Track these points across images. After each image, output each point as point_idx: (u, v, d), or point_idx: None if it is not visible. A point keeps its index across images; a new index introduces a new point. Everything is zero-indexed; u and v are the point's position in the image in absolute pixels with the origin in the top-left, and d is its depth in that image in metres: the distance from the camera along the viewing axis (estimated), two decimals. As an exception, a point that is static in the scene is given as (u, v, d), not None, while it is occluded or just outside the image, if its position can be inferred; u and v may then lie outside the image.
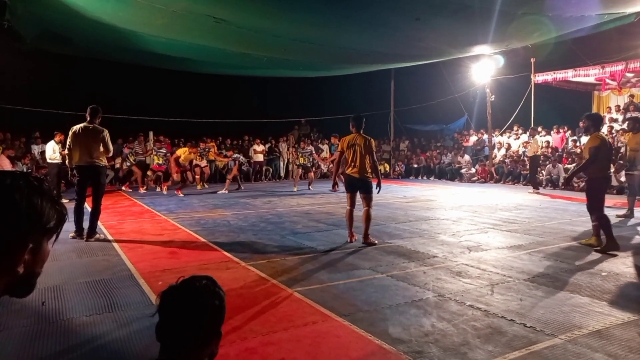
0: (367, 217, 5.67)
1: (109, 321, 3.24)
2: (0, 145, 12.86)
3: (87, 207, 9.26)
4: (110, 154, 6.46)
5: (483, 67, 15.55)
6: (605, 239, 5.25)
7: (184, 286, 1.14)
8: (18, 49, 11.86)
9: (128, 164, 13.28)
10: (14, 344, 2.89)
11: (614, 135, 12.93)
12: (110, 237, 6.16)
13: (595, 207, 5.37)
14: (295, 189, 12.64)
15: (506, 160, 15.66)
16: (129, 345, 2.84)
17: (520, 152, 15.54)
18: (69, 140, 6.06)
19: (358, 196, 5.82)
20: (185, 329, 1.09)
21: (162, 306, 1.12)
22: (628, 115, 13.56)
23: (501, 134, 17.03)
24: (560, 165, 13.43)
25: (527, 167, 14.21)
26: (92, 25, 9.96)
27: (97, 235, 6.02)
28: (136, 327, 3.09)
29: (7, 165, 11.46)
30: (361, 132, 5.80)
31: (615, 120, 14.06)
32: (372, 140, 5.80)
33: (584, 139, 14.61)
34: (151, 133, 15.81)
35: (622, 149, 10.63)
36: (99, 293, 3.84)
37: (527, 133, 15.70)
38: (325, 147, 18.00)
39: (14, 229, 0.81)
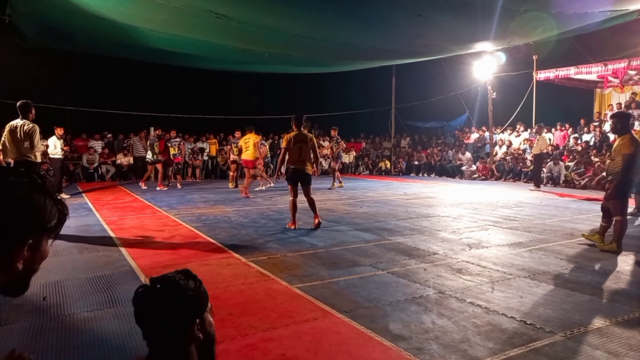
0: (312, 202, 6.50)
1: (110, 317, 3.24)
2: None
3: (88, 202, 9.24)
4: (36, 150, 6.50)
5: (485, 64, 15.52)
6: (611, 240, 5.21)
7: (152, 285, 1.16)
8: (20, 45, 11.83)
9: (151, 158, 12.22)
10: (15, 338, 2.89)
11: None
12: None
13: (619, 210, 5.17)
14: None
15: (507, 158, 15.64)
16: (130, 340, 2.85)
17: (522, 150, 15.51)
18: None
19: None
20: (157, 325, 1.12)
21: (134, 306, 1.15)
22: (630, 112, 13.52)
23: (502, 132, 17.00)
24: (561, 162, 13.41)
25: (528, 164, 14.19)
26: (93, 21, 9.95)
27: None
28: (137, 322, 3.09)
29: (8, 161, 11.46)
30: (302, 130, 6.50)
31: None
32: (313, 137, 6.62)
33: (586, 137, 14.60)
34: (152, 129, 15.82)
35: None
36: (100, 288, 3.85)
37: (529, 131, 15.68)
38: (326, 143, 17.97)
39: (13, 226, 0.81)
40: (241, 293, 3.72)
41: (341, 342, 2.83)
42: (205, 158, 16.48)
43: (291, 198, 6.52)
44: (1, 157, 6.61)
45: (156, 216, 7.64)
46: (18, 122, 6.33)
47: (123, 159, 15.34)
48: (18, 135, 6.23)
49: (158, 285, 1.15)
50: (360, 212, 8.13)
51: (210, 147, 16.86)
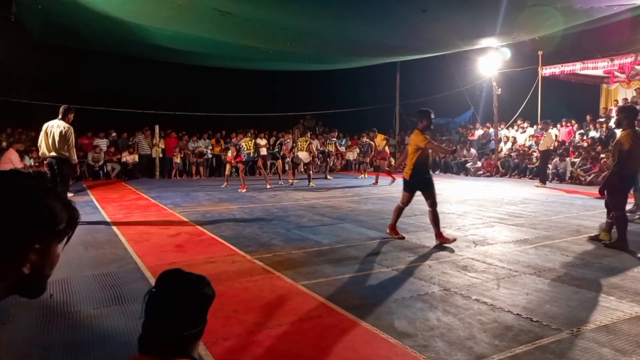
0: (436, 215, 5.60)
1: (116, 314, 3.26)
2: (8, 140, 12.95)
3: (94, 200, 9.28)
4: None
5: (490, 60, 15.41)
6: (615, 236, 5.17)
7: (176, 278, 1.19)
8: (25, 42, 11.88)
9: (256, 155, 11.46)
10: (22, 335, 2.92)
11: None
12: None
13: (617, 206, 5.14)
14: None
15: (512, 154, 15.55)
16: (136, 337, 2.86)
17: (527, 146, 15.40)
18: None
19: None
20: (166, 315, 1.16)
21: (155, 289, 1.18)
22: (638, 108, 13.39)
23: (507, 128, 16.90)
24: (567, 159, 13.32)
25: (534, 160, 14.10)
26: (98, 18, 9.98)
27: None
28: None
29: (16, 160, 11.54)
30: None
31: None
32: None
33: (592, 133, 14.49)
34: (157, 127, 15.86)
35: None
36: (106, 286, 3.87)
37: (534, 127, 15.57)
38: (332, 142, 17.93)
39: (23, 228, 0.84)
40: (246, 290, 3.72)
41: (346, 339, 2.83)
42: (210, 156, 16.52)
43: (403, 205, 5.62)
44: (36, 153, 7.13)
45: (161, 214, 7.66)
46: (54, 122, 6.78)
47: (128, 157, 15.39)
48: (52, 135, 6.68)
49: (182, 279, 1.19)
50: (364, 209, 8.12)
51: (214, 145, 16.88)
